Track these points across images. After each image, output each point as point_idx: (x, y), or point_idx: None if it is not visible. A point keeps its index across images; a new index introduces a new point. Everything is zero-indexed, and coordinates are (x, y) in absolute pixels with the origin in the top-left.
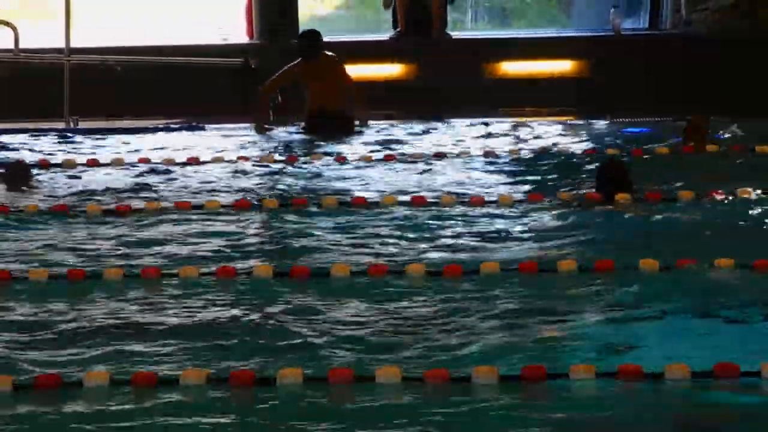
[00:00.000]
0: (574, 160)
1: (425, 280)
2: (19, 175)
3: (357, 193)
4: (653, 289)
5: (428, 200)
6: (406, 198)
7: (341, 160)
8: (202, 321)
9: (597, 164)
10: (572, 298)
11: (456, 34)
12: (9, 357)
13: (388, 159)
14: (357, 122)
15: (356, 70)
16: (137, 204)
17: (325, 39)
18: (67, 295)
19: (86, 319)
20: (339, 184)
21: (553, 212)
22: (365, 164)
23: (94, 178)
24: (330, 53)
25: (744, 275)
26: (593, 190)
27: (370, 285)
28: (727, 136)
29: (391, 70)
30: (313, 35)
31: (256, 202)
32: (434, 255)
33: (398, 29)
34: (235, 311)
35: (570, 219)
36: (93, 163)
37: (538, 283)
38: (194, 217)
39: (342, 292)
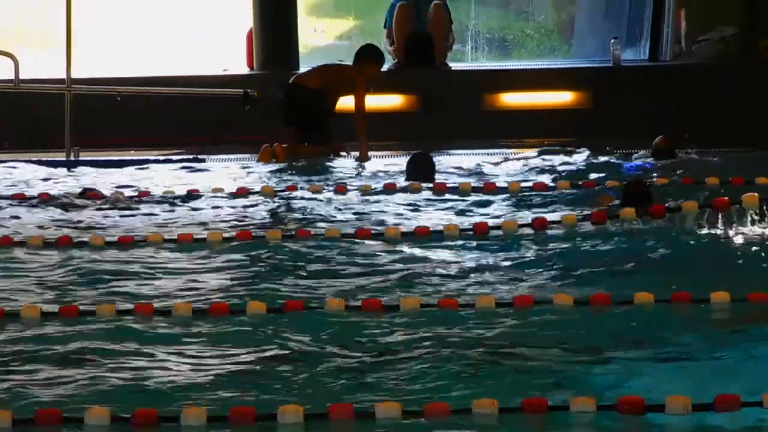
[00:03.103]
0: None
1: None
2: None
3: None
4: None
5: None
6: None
7: (342, 190)
8: (200, 357)
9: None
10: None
11: (455, 65)
12: (9, 391)
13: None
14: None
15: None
16: (137, 235)
17: None
18: (61, 329)
19: (81, 355)
20: (340, 215)
21: (550, 244)
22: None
23: (92, 210)
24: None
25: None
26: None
27: (365, 320)
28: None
29: (391, 101)
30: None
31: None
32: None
33: (396, 60)
34: (234, 348)
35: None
36: (93, 196)
37: (532, 314)
38: (193, 251)
39: (337, 326)
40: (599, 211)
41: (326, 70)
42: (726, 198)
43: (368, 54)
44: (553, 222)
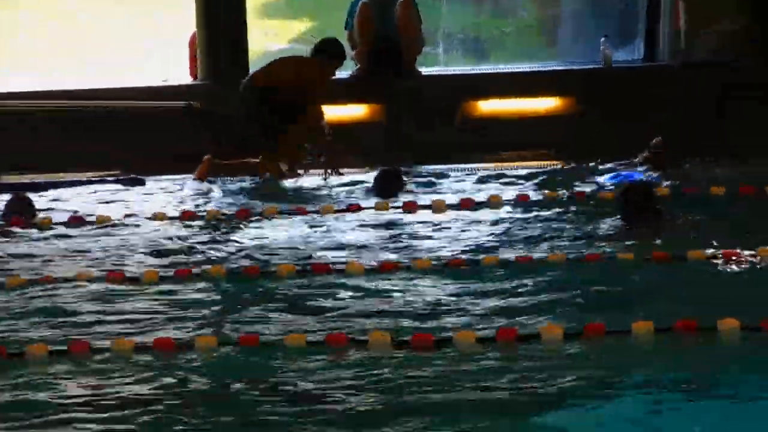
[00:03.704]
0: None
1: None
2: (21, 209)
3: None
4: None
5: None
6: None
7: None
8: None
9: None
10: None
11: (426, 71)
12: None
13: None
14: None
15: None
16: (65, 272)
17: None
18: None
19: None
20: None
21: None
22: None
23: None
24: None
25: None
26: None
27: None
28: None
29: (354, 111)
30: None
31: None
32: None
33: (358, 66)
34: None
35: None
36: (17, 222)
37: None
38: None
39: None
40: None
41: (278, 65)
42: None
43: (332, 48)
44: (540, 260)
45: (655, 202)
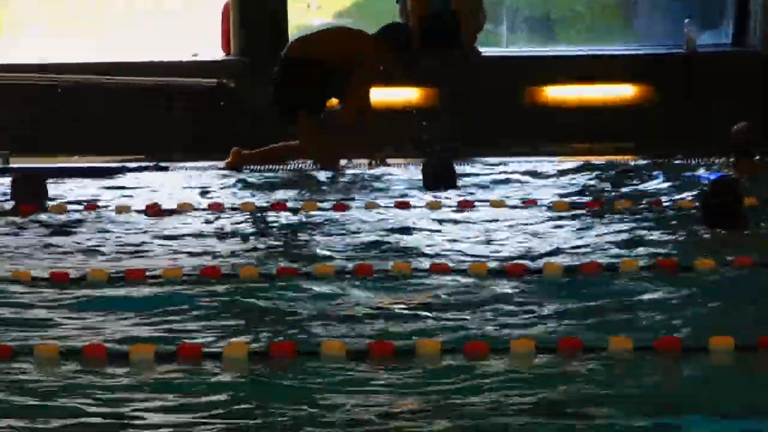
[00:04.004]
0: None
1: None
2: (30, 188)
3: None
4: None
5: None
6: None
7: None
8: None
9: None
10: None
11: (487, 51)
12: None
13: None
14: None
15: None
16: (77, 271)
17: None
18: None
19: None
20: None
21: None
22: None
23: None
24: None
25: None
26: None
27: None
28: None
29: (406, 95)
30: None
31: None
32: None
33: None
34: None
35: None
36: (28, 208)
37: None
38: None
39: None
40: None
41: (321, 34)
42: None
43: (394, 33)
44: (610, 269)
45: (743, 205)
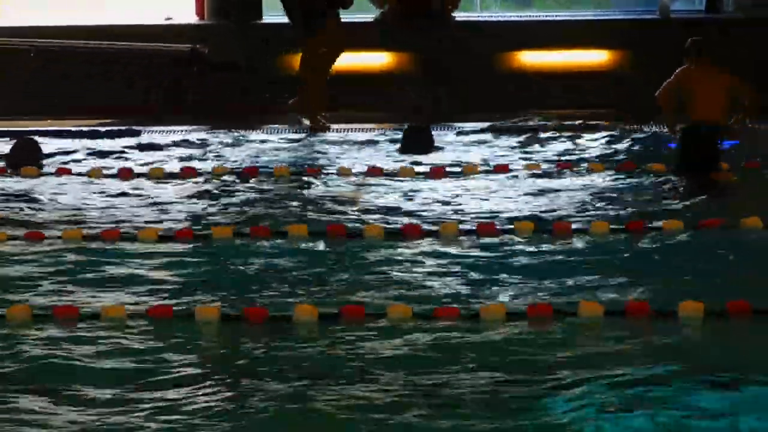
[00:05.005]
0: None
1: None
2: (25, 151)
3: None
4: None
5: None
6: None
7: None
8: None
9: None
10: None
11: (462, 16)
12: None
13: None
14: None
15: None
16: (54, 231)
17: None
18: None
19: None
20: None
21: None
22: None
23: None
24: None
25: None
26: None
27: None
28: None
29: (378, 59)
30: None
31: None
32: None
33: (387, 8)
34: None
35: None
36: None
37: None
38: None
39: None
40: None
41: None
42: None
43: None
44: (579, 230)
45: (717, 151)
